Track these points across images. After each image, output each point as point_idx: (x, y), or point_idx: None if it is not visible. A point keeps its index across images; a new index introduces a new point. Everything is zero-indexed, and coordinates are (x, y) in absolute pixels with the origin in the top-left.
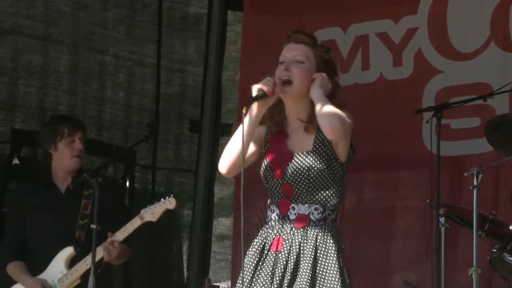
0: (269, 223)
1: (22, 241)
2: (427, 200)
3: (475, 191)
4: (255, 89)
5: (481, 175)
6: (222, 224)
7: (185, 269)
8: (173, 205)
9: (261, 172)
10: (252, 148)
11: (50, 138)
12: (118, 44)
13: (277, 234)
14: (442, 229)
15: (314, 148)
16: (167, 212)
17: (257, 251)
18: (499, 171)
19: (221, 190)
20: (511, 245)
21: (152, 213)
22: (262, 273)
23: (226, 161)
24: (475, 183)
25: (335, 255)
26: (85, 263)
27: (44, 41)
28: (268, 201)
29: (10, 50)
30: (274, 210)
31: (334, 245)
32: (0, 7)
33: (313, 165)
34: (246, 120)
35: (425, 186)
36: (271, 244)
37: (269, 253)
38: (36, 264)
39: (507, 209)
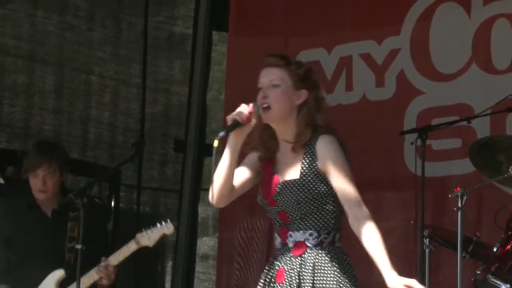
0: (276, 252)
1: (7, 264)
2: (411, 222)
3: (459, 213)
4: (229, 120)
5: (466, 196)
6: (206, 244)
7: None
8: (170, 230)
9: (258, 200)
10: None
11: (23, 166)
12: (103, 63)
13: (280, 264)
14: (426, 250)
15: (302, 176)
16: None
17: (266, 283)
18: (482, 193)
19: (205, 210)
20: (495, 267)
21: (148, 238)
22: None
23: (213, 193)
24: (459, 205)
25: (334, 280)
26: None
27: (30, 60)
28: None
29: None
30: (276, 238)
31: (333, 269)
32: None
33: (301, 197)
34: (226, 151)
35: (408, 207)
36: (275, 275)
37: (275, 285)
38: (26, 287)
39: (491, 231)
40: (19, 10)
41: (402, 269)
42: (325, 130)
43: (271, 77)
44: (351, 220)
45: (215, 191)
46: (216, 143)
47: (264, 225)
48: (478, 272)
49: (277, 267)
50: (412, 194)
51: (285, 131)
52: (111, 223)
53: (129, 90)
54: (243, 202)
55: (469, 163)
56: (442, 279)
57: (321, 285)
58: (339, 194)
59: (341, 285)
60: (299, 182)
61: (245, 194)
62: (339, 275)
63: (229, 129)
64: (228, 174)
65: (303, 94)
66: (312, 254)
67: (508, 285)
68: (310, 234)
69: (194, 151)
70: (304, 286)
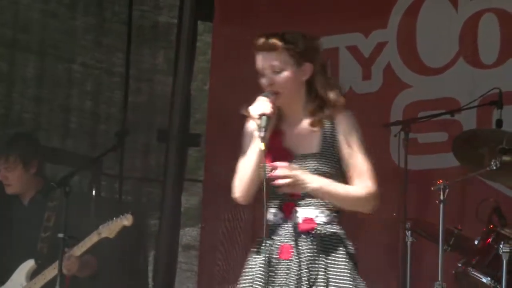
0: (271, 228)
1: None
2: (394, 214)
3: (441, 206)
4: (256, 116)
5: (448, 190)
6: (188, 234)
7: (150, 279)
8: (129, 222)
9: (262, 174)
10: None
11: None
12: (86, 52)
13: (283, 240)
14: (408, 242)
15: (322, 151)
16: (125, 227)
17: (264, 260)
18: (465, 187)
19: (188, 200)
20: (476, 260)
21: (109, 229)
22: (277, 284)
23: (244, 192)
24: (441, 197)
25: (346, 263)
26: (44, 277)
27: (11, 48)
28: (265, 204)
29: None
30: (277, 214)
31: (343, 249)
32: None
33: (321, 169)
34: (253, 149)
35: (391, 199)
36: (279, 252)
37: (278, 261)
38: (1, 277)
39: (473, 224)
40: None
41: (384, 260)
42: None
43: (272, 62)
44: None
45: (249, 190)
46: (263, 146)
47: (246, 215)
48: (459, 265)
49: (278, 243)
50: (397, 186)
51: (296, 108)
52: (93, 212)
53: (112, 79)
54: (227, 193)
55: (454, 156)
56: (424, 271)
57: (334, 267)
58: (351, 171)
59: (351, 269)
60: (318, 156)
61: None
62: (347, 258)
63: (265, 126)
64: (259, 172)
65: (308, 68)
66: (322, 232)
67: (489, 278)
68: (322, 212)
69: (178, 141)
70: (317, 265)
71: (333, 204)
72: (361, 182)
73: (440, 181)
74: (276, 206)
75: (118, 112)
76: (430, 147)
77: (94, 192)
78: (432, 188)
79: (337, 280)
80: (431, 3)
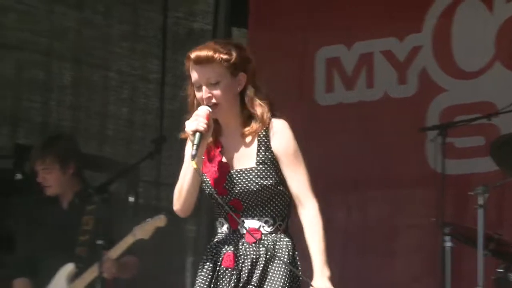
0: (218, 236)
1: (29, 257)
2: (432, 219)
3: (480, 211)
4: (190, 134)
5: (487, 194)
6: None
7: (188, 285)
8: (163, 223)
9: (204, 188)
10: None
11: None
12: (121, 59)
13: (228, 249)
14: (447, 248)
15: (259, 163)
16: (160, 229)
17: (209, 268)
18: (504, 191)
19: None
20: None
21: (143, 230)
22: None
23: (182, 206)
24: (480, 202)
25: (285, 272)
26: (83, 280)
27: (48, 56)
28: (215, 213)
29: (14, 65)
30: (222, 224)
31: (285, 256)
32: (5, 22)
33: (260, 183)
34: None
35: (429, 205)
36: (222, 260)
37: (221, 269)
38: (39, 280)
39: None
40: (38, 6)
41: (423, 266)
42: (275, 113)
43: (208, 75)
44: (299, 209)
45: (185, 204)
46: (194, 165)
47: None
48: (499, 270)
49: (223, 251)
50: (434, 191)
51: (232, 120)
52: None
53: (147, 86)
54: None
55: (492, 161)
56: (463, 276)
57: (273, 272)
58: (289, 182)
59: (290, 274)
60: (256, 170)
61: None
62: (291, 265)
63: (197, 143)
64: (197, 185)
65: (242, 78)
66: (268, 241)
67: None
68: (266, 222)
69: None
70: (255, 273)
71: (278, 213)
72: (308, 203)
73: (479, 185)
74: (222, 216)
75: (154, 119)
76: (467, 152)
77: (131, 198)
78: (470, 193)
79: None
80: (466, 7)
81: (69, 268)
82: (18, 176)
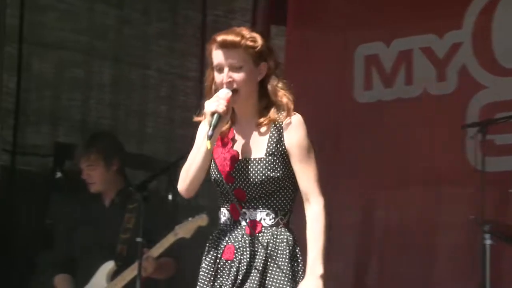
0: (220, 227)
1: (69, 254)
2: (471, 217)
3: None
4: (208, 115)
5: None
6: None
7: None
8: (205, 222)
9: (211, 174)
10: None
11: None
12: (160, 57)
13: (228, 241)
14: (487, 245)
15: (268, 155)
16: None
17: (211, 260)
18: None
19: None
20: None
21: (185, 229)
22: (217, 284)
23: (188, 186)
24: None
25: (288, 263)
26: (123, 278)
27: (87, 55)
28: (219, 203)
29: (53, 64)
30: (225, 214)
31: (286, 251)
32: (45, 21)
33: (267, 175)
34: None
35: (469, 202)
36: (222, 252)
37: (221, 261)
38: (80, 277)
39: None
40: (78, 5)
41: (463, 264)
42: (291, 108)
43: (232, 60)
44: (305, 205)
45: (191, 184)
46: (209, 145)
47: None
48: None
49: (224, 243)
50: (474, 188)
51: (248, 108)
52: (170, 216)
53: (186, 84)
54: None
55: None
56: (503, 275)
57: (273, 268)
58: (298, 177)
59: (292, 270)
60: (264, 161)
61: None
62: (289, 259)
63: (215, 124)
64: (206, 167)
65: (263, 67)
66: (267, 234)
67: None
68: (267, 214)
69: None
70: (254, 267)
71: (281, 207)
72: (314, 200)
73: None
74: (226, 207)
75: (193, 116)
76: (507, 149)
77: (171, 196)
78: (510, 191)
79: (275, 284)
80: (506, 3)
81: (109, 266)
82: (58, 174)
